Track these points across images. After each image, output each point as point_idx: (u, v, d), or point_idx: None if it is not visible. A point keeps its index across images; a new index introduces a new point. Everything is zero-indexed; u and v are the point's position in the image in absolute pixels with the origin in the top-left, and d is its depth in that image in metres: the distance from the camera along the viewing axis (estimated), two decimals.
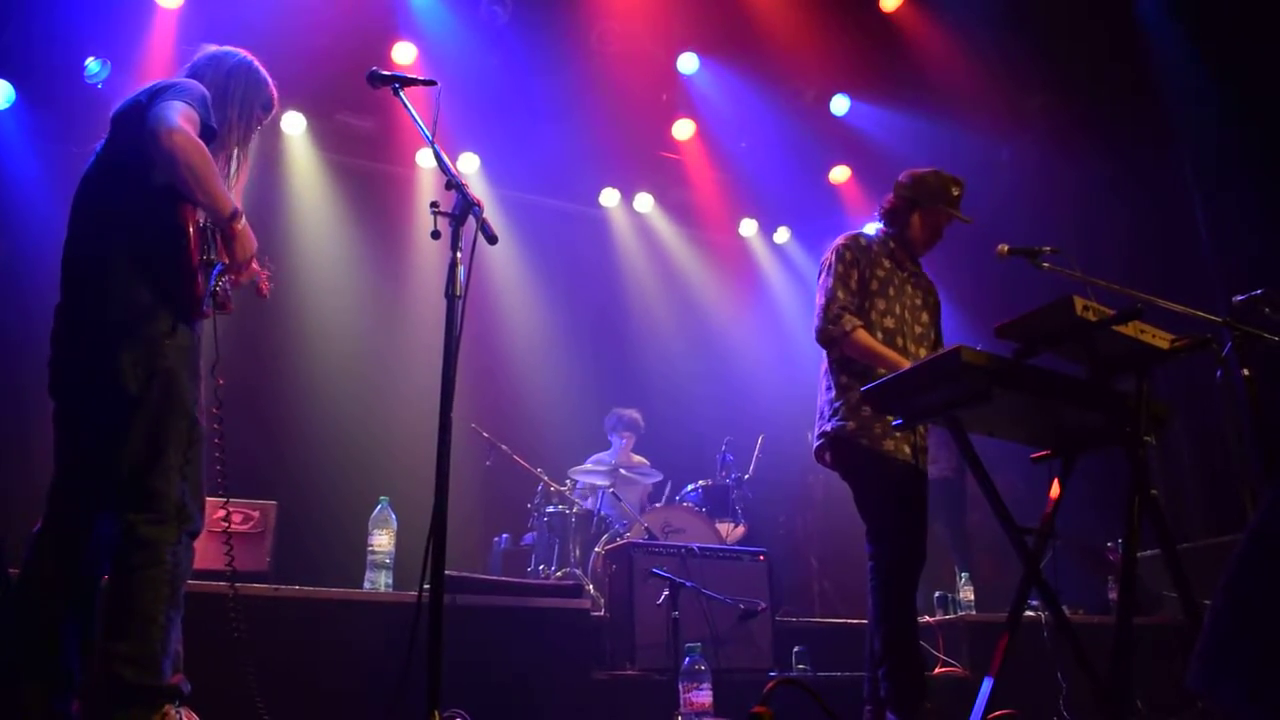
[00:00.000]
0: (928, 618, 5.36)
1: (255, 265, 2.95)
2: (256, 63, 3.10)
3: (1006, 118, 7.54)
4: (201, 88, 2.84)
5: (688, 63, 7.33)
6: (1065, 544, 5.76)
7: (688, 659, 3.83)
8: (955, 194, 3.82)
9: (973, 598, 5.51)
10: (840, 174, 8.33)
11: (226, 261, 2.87)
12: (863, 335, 3.57)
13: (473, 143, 7.61)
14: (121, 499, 2.64)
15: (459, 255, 2.50)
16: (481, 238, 2.47)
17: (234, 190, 2.96)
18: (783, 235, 8.93)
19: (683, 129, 7.83)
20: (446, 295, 2.46)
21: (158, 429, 2.65)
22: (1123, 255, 6.68)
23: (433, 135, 2.62)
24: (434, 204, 2.52)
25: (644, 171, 8.29)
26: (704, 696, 3.48)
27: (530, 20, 6.68)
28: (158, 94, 2.73)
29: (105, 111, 6.44)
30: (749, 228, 8.85)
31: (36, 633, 2.59)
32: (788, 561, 7.18)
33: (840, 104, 7.68)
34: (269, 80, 3.11)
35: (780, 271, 8.91)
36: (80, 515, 2.68)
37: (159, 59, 6.31)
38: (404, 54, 6.77)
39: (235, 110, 2.97)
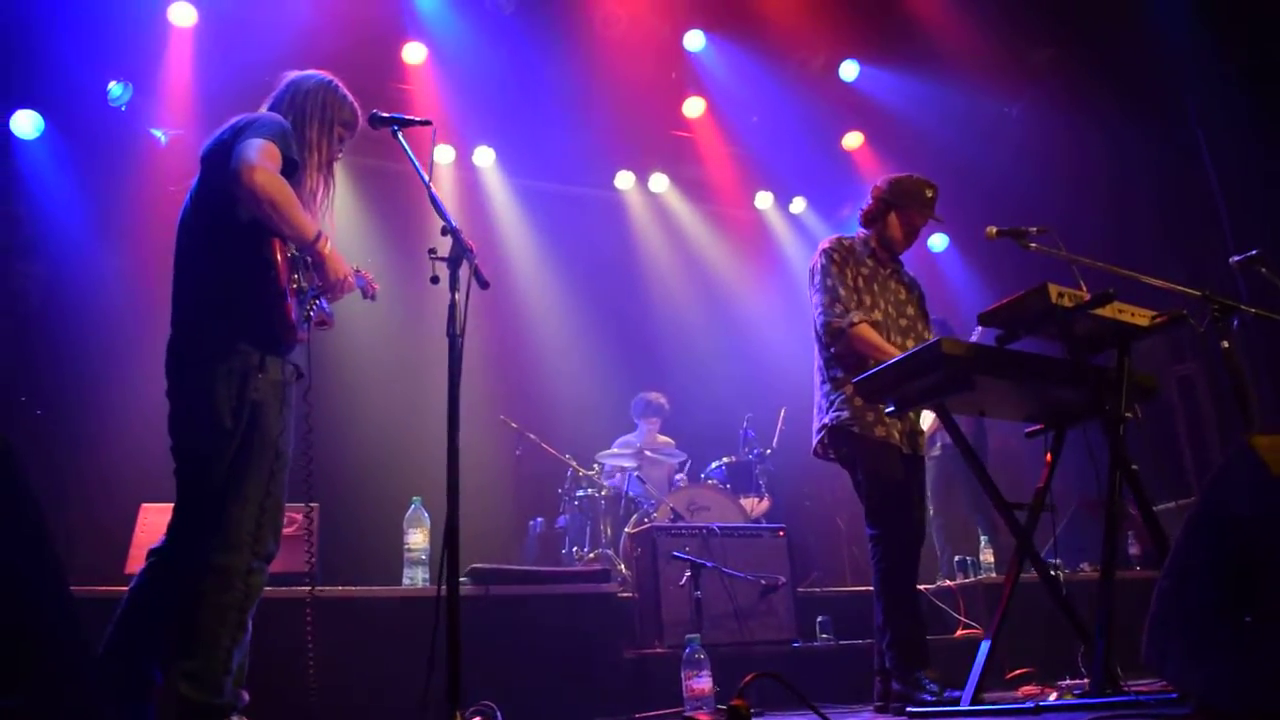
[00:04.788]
0: (949, 582, 5.51)
1: (351, 281, 3.06)
2: (336, 81, 3.13)
3: (1015, 74, 7.53)
4: (281, 120, 2.90)
5: (694, 40, 7.37)
6: (1085, 502, 5.89)
7: (688, 648, 3.80)
8: (929, 195, 3.99)
9: (993, 560, 5.64)
10: (853, 140, 8.33)
11: (320, 285, 2.98)
12: (867, 329, 3.76)
13: (487, 135, 7.74)
14: (201, 524, 2.75)
15: (457, 296, 2.63)
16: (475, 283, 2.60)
17: (324, 210, 3.03)
18: (799, 205, 8.94)
19: (693, 106, 7.88)
20: (448, 334, 2.59)
21: (241, 460, 2.75)
22: (1133, 210, 6.71)
23: (429, 177, 2.75)
24: (431, 250, 2.65)
25: (658, 152, 8.33)
26: (703, 683, 3.59)
27: (534, 8, 6.75)
28: (240, 131, 2.79)
29: (130, 134, 6.62)
30: (765, 200, 8.87)
31: (122, 643, 2.73)
32: (816, 529, 7.32)
33: (849, 69, 7.67)
34: (349, 97, 3.14)
35: (798, 242, 8.91)
36: (182, 542, 2.79)
37: (178, 77, 6.51)
38: (415, 54, 6.94)
39: (315, 131, 3.01)
